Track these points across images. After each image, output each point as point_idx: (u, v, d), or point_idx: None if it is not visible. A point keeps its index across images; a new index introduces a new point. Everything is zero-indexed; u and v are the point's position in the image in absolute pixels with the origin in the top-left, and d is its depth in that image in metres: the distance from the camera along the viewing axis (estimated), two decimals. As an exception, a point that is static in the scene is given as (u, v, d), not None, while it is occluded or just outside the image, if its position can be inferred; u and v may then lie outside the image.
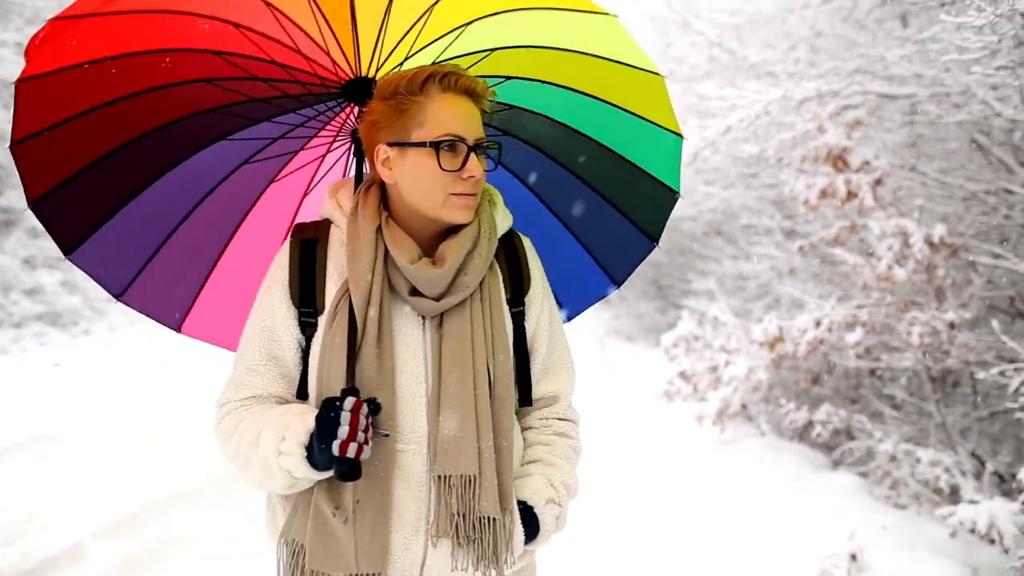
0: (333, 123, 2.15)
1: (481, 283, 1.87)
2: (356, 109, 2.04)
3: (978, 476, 5.58)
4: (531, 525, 1.86)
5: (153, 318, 2.22)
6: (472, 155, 1.80)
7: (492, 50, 2.02)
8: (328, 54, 1.95)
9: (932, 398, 6.09)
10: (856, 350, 6.26)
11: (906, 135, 6.73)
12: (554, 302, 2.07)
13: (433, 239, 1.86)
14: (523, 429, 2.01)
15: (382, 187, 1.89)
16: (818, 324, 6.30)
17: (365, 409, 1.66)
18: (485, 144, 1.84)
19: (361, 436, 1.64)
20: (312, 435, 1.67)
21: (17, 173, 1.91)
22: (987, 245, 5.92)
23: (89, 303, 12.77)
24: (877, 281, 5.72)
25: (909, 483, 5.73)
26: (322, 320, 1.83)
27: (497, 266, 1.94)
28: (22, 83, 1.79)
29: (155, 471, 6.08)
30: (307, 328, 1.85)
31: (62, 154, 1.92)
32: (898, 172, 6.30)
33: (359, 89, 2.00)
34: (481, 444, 1.77)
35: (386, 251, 1.81)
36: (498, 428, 1.82)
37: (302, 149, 2.21)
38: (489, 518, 1.76)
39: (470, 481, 1.75)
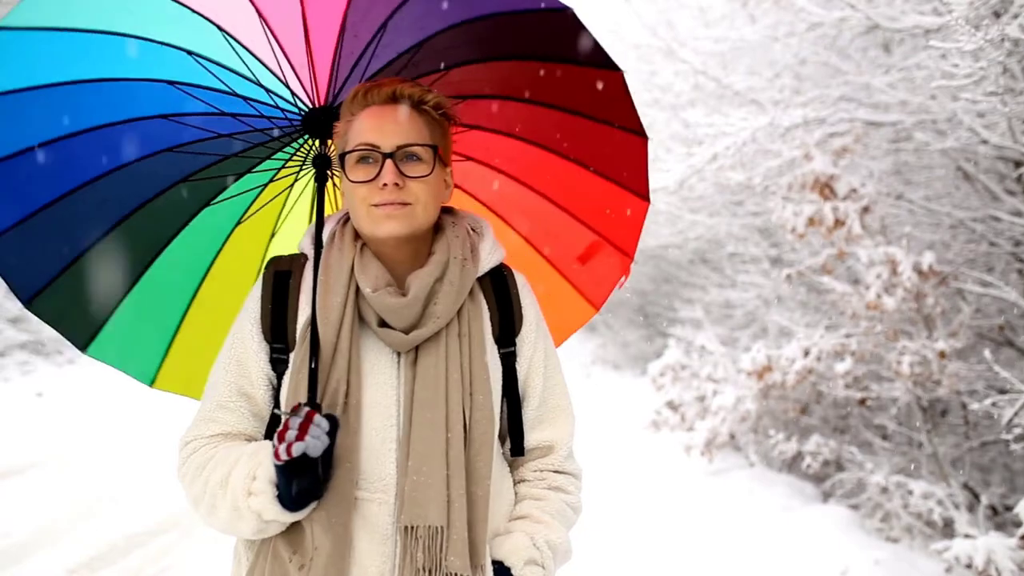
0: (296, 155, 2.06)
1: (460, 316, 1.73)
2: (317, 141, 1.92)
3: (971, 508, 5.50)
4: None
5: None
6: (389, 162, 1.66)
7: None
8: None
9: (923, 428, 6.03)
10: (845, 380, 6.20)
11: (892, 162, 6.71)
12: (551, 343, 1.91)
13: (410, 269, 1.74)
14: (516, 482, 1.87)
15: None
16: (806, 353, 6.25)
17: (303, 410, 1.53)
18: (410, 149, 1.68)
19: (292, 434, 1.49)
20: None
21: None
22: (975, 273, 5.88)
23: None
24: (866, 310, 5.68)
25: (901, 515, 5.65)
26: (293, 356, 1.72)
27: (483, 301, 1.80)
28: None
29: (135, 503, 5.93)
30: (278, 365, 1.74)
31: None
32: (885, 200, 6.27)
33: (320, 119, 1.90)
34: (451, 492, 1.63)
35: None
36: (473, 475, 1.67)
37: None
38: (457, 575, 1.62)
39: (437, 532, 1.61)
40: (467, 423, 1.69)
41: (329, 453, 1.58)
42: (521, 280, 1.89)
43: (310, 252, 1.79)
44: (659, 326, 13.46)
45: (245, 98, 1.89)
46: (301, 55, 1.81)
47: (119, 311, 2.04)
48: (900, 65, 5.91)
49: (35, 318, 2.00)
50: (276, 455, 1.51)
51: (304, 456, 1.51)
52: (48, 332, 11.84)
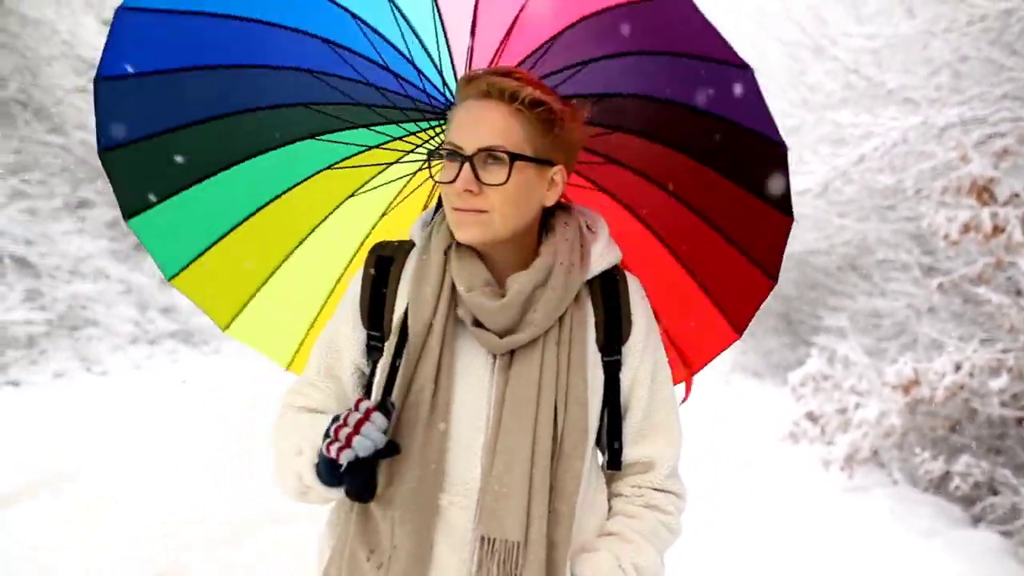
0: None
1: (562, 323, 1.64)
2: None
3: None
4: None
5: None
6: (467, 166, 1.56)
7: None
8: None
9: (1087, 453, 5.58)
10: (1001, 397, 5.83)
11: (1061, 166, 6.25)
12: (663, 355, 1.79)
13: (513, 269, 1.66)
14: (612, 496, 1.77)
15: None
16: (958, 368, 5.89)
17: (365, 405, 1.48)
18: (493, 153, 1.57)
19: (345, 432, 1.45)
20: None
21: None
22: None
23: (221, 323, 13.25)
24: (1026, 323, 5.30)
25: (1059, 546, 5.25)
26: (388, 345, 1.68)
27: (590, 306, 1.71)
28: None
29: (261, 491, 6.14)
30: (373, 352, 1.71)
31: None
32: (1051, 206, 5.84)
33: None
34: (532, 508, 1.55)
35: None
36: (558, 491, 1.58)
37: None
38: None
39: (513, 548, 1.54)
40: (558, 436, 1.60)
41: (387, 449, 1.52)
42: (635, 285, 1.78)
43: (418, 239, 1.75)
44: (802, 334, 13.01)
45: (395, 74, 1.84)
46: (463, 45, 1.75)
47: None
48: (1072, 61, 5.50)
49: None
50: (326, 447, 1.48)
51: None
52: (196, 321, 12.46)
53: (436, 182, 1.63)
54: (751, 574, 5.26)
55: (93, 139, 1.89)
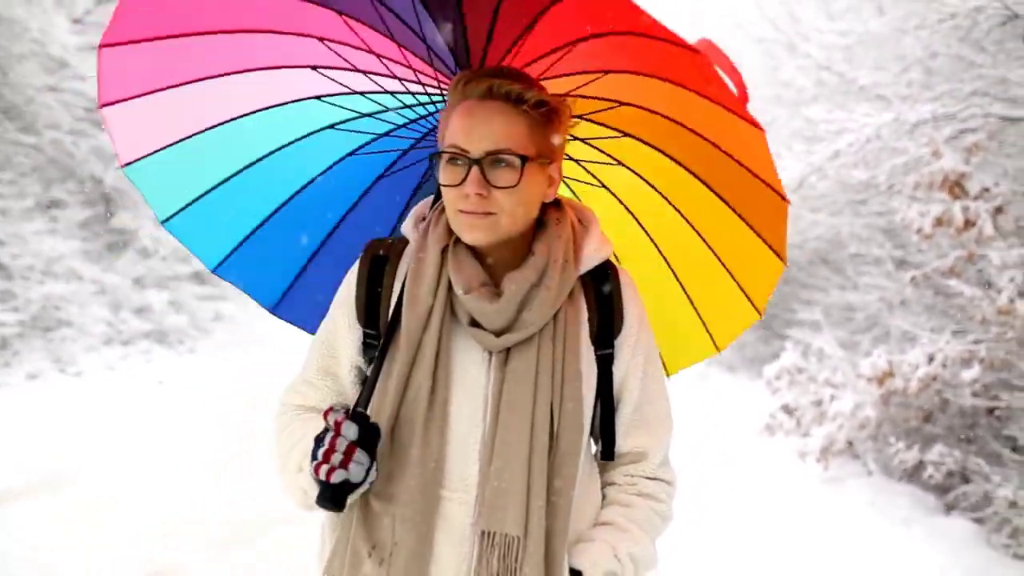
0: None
1: (556, 319, 1.67)
2: None
3: (1109, 528, 5.17)
4: None
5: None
6: (475, 169, 1.57)
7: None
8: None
9: (1057, 441, 5.70)
10: (973, 387, 5.94)
11: (1030, 160, 6.37)
12: (654, 347, 1.82)
13: (508, 265, 1.68)
14: (605, 485, 1.81)
15: None
16: (931, 359, 6.00)
17: (351, 431, 1.51)
18: (500, 156, 1.58)
19: (337, 459, 1.50)
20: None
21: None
22: (1119, 278, 5.52)
23: (195, 323, 13.14)
24: (997, 315, 5.41)
25: (1031, 532, 5.36)
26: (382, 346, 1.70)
27: (583, 301, 1.73)
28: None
29: (245, 494, 6.11)
30: (369, 350, 1.73)
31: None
32: (1021, 199, 5.96)
33: None
34: (531, 502, 1.58)
35: None
36: (556, 485, 1.62)
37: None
38: None
39: (513, 542, 1.58)
40: (554, 431, 1.64)
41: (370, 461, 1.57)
42: (625, 279, 1.81)
43: (411, 236, 1.76)
44: (776, 328, 13.12)
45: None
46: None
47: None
48: (1040, 57, 5.61)
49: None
50: (315, 469, 1.52)
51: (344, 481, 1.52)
52: (170, 321, 12.37)
53: (440, 185, 1.63)
54: (731, 565, 5.33)
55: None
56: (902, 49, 7.69)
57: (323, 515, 1.83)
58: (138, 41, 1.73)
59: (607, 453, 1.79)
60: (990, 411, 6.39)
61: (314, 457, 1.53)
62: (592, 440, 1.81)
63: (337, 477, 1.50)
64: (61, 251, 10.96)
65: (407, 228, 1.78)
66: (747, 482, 7.31)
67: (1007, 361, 5.84)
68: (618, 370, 1.76)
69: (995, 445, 6.54)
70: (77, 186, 11.61)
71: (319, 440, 1.54)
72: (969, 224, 5.51)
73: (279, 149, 2.00)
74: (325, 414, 1.54)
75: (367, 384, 1.65)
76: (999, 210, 5.52)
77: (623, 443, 1.79)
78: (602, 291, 1.76)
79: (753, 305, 2.01)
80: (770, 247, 1.88)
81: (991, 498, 5.82)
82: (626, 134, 1.92)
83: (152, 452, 7.04)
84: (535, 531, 1.58)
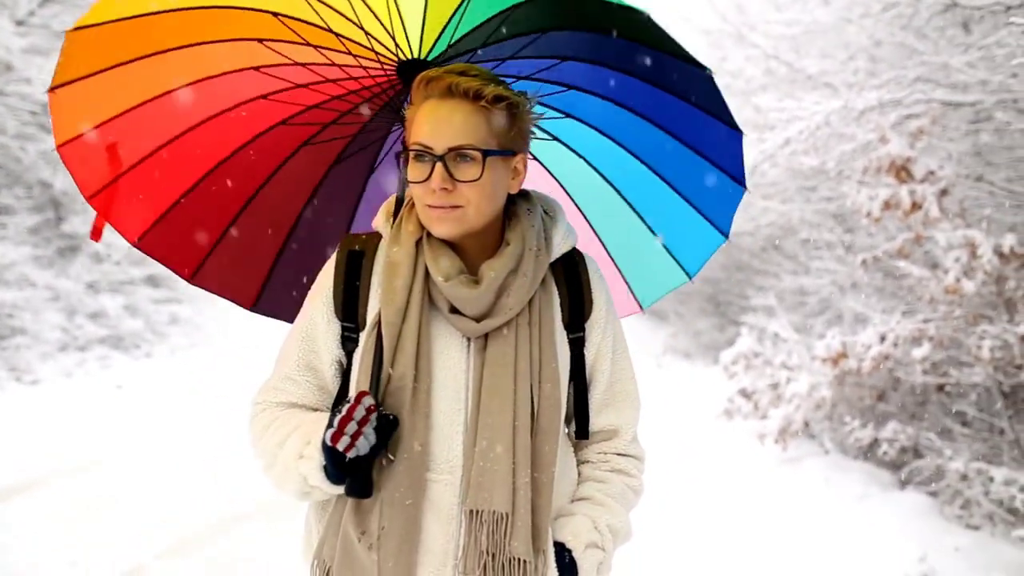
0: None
1: (532, 305, 1.75)
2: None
3: (1056, 495, 5.36)
4: (568, 570, 1.75)
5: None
6: (439, 165, 1.64)
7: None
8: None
9: (1004, 414, 5.90)
10: (923, 365, 6.09)
11: (972, 144, 6.56)
12: (620, 329, 1.93)
13: (482, 255, 1.75)
14: (579, 463, 1.91)
15: None
16: (883, 339, 6.15)
17: (368, 401, 1.57)
18: (462, 151, 1.65)
19: (352, 428, 1.55)
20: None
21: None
22: (1059, 255, 5.71)
23: (151, 326, 12.98)
24: (944, 294, 5.57)
25: (982, 503, 5.54)
26: (363, 336, 1.76)
27: (554, 287, 1.82)
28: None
29: (213, 493, 6.11)
30: (348, 343, 1.79)
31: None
32: (964, 182, 6.14)
33: (413, 72, 1.81)
34: (517, 480, 1.67)
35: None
36: (538, 463, 1.70)
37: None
38: (520, 559, 1.66)
39: (502, 519, 1.66)
40: (535, 411, 1.72)
41: (380, 446, 1.63)
42: (592, 265, 1.90)
43: (384, 231, 1.82)
44: (731, 314, 13.34)
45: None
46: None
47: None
48: (980, 44, 5.77)
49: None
50: (332, 438, 1.56)
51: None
52: (126, 326, 12.21)
53: (408, 182, 1.71)
54: (694, 545, 5.45)
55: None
56: (847, 38, 7.86)
57: (308, 505, 1.88)
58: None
59: (581, 432, 1.89)
60: (940, 388, 6.58)
61: (330, 425, 1.57)
62: (565, 422, 1.88)
63: (356, 451, 1.56)
64: (12, 258, 10.77)
65: (379, 223, 1.84)
66: (708, 466, 7.45)
67: (955, 339, 6.02)
68: (589, 352, 1.86)
69: (946, 421, 6.73)
70: (25, 191, 11.42)
71: (332, 413, 1.60)
72: (916, 207, 5.66)
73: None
74: (358, 398, 1.58)
75: (349, 376, 1.72)
76: (944, 192, 5.69)
77: (595, 421, 1.89)
78: (572, 277, 1.85)
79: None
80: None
81: (943, 472, 6.00)
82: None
83: (114, 457, 6.98)
84: (522, 507, 1.67)
